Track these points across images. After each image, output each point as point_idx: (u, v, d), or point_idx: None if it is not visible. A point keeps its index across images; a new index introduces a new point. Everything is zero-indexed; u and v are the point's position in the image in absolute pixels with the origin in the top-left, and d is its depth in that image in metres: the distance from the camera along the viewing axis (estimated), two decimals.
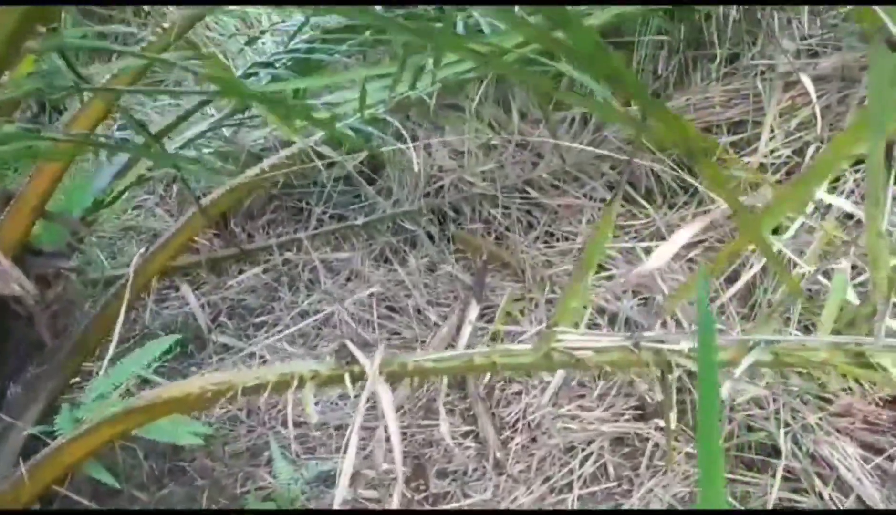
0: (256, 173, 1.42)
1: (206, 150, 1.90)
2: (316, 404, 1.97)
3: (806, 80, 1.90)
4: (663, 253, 0.91)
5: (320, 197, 2.56)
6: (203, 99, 1.40)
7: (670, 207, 2.28)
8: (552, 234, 2.42)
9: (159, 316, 2.31)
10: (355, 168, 2.52)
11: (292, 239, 2.46)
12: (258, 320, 2.34)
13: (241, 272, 2.47)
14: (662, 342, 0.83)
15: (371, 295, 2.32)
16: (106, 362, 1.23)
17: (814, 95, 1.79)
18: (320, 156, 1.34)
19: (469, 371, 0.91)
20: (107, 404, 1.25)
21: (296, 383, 0.89)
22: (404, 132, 1.52)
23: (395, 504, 0.87)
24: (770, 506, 1.50)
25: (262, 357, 2.20)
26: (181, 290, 2.20)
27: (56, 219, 1.28)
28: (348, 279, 2.40)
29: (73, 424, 1.23)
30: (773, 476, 1.50)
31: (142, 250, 1.42)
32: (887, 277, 0.71)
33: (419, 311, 2.26)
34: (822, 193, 0.90)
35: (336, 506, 0.86)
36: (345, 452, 0.90)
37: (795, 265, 1.36)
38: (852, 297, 0.89)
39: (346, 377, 0.87)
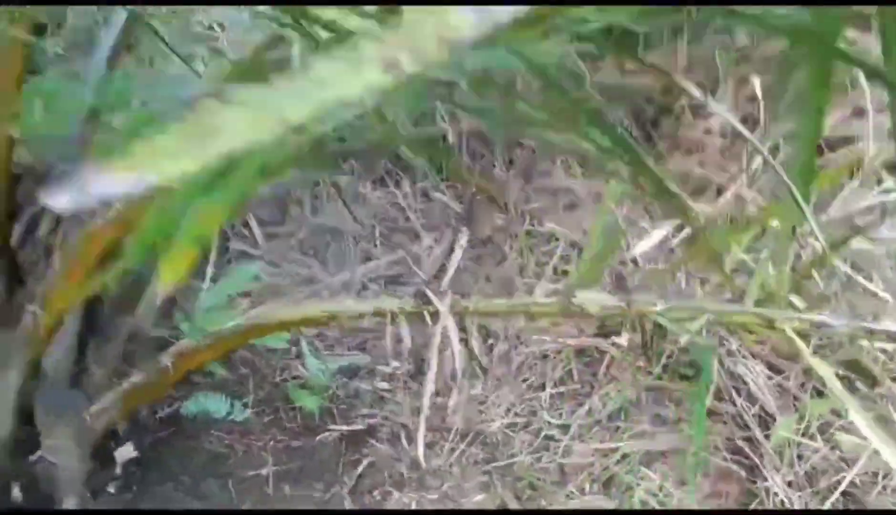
0: None
1: None
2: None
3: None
4: (643, 246, 1.33)
5: None
6: None
7: None
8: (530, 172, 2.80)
9: None
10: None
11: None
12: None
13: None
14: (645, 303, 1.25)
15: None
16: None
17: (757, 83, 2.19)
18: None
19: (513, 313, 1.31)
20: (225, 316, 1.60)
21: (389, 315, 1.27)
22: None
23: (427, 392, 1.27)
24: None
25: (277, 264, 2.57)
26: None
27: None
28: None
29: (196, 332, 1.58)
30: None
31: None
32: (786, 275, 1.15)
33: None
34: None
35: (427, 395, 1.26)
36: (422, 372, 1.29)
37: None
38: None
39: (426, 314, 1.26)
